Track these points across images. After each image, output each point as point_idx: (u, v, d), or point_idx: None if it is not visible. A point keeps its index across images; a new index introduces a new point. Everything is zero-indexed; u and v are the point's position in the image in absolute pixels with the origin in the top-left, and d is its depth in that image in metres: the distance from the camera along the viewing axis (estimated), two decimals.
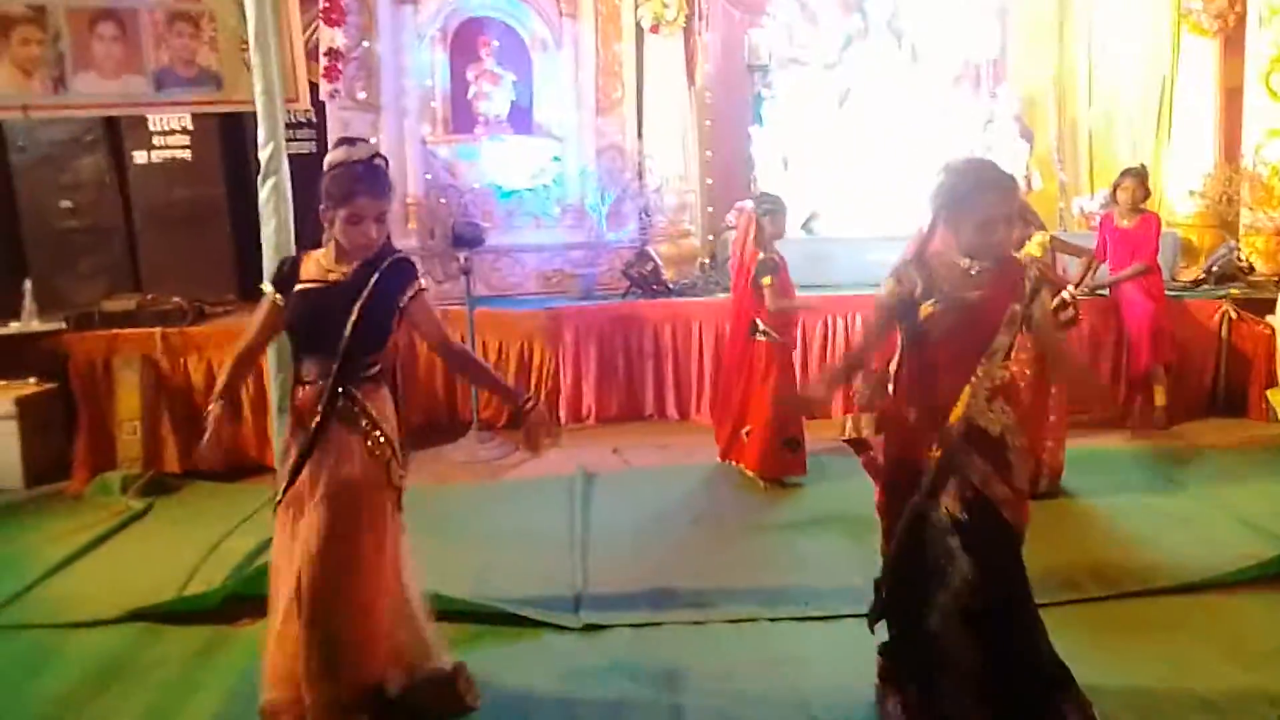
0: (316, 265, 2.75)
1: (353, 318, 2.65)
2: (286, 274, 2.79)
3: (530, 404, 2.83)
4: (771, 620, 3.53)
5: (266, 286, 2.82)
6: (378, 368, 2.74)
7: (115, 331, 5.42)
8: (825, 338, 6.26)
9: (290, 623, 2.64)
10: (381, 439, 2.69)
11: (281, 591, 2.69)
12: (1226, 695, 2.94)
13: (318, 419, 2.65)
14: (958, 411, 2.53)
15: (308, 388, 2.72)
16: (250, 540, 4.30)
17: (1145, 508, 4.59)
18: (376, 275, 2.68)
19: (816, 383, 2.84)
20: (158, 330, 5.42)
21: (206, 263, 6.05)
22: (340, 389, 2.66)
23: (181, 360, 5.46)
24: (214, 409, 2.82)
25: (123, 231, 6.14)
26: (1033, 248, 4.72)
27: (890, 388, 2.73)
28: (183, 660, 3.36)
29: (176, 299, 5.60)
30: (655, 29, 6.75)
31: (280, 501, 2.73)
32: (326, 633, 2.59)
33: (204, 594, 3.79)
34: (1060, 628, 3.36)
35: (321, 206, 2.70)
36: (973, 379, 2.53)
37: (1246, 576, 3.71)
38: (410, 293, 2.72)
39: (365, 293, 2.66)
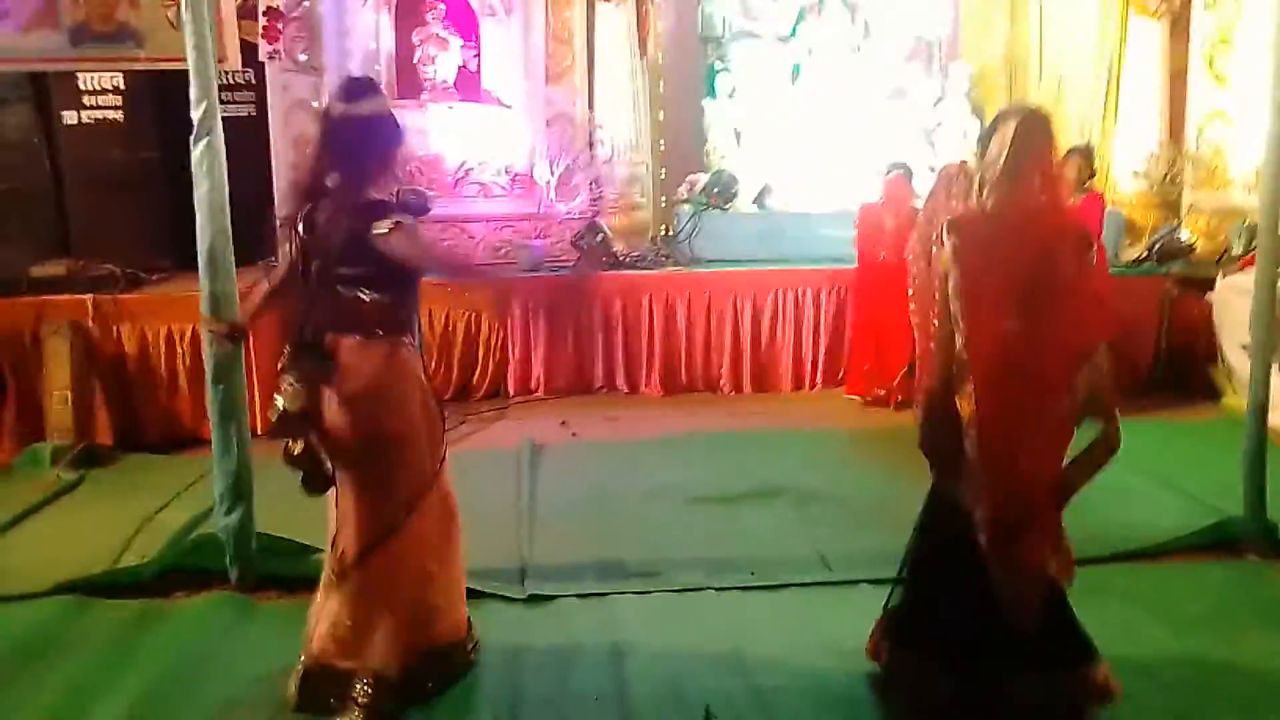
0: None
1: None
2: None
3: None
4: (717, 590, 3.52)
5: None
6: None
7: (44, 298, 5.23)
8: (775, 314, 6.26)
9: None
10: None
11: None
12: (1159, 659, 3.01)
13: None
14: None
15: (411, 338, 2.83)
16: (185, 513, 4.19)
17: None
18: None
19: None
20: (89, 297, 5.24)
21: (141, 228, 5.85)
22: None
23: (114, 328, 5.28)
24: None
25: (51, 194, 5.90)
26: None
27: None
28: (113, 634, 3.27)
29: (109, 265, 5.42)
30: None
31: None
32: None
33: (137, 566, 3.70)
34: None
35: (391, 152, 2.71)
36: None
37: (1181, 545, 3.79)
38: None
39: None
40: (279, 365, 2.66)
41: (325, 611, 2.78)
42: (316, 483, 2.63)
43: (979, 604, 2.52)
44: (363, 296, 2.62)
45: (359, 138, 2.64)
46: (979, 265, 2.48)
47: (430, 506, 2.77)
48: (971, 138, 7.26)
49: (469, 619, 3.05)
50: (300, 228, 2.65)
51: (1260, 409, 3.75)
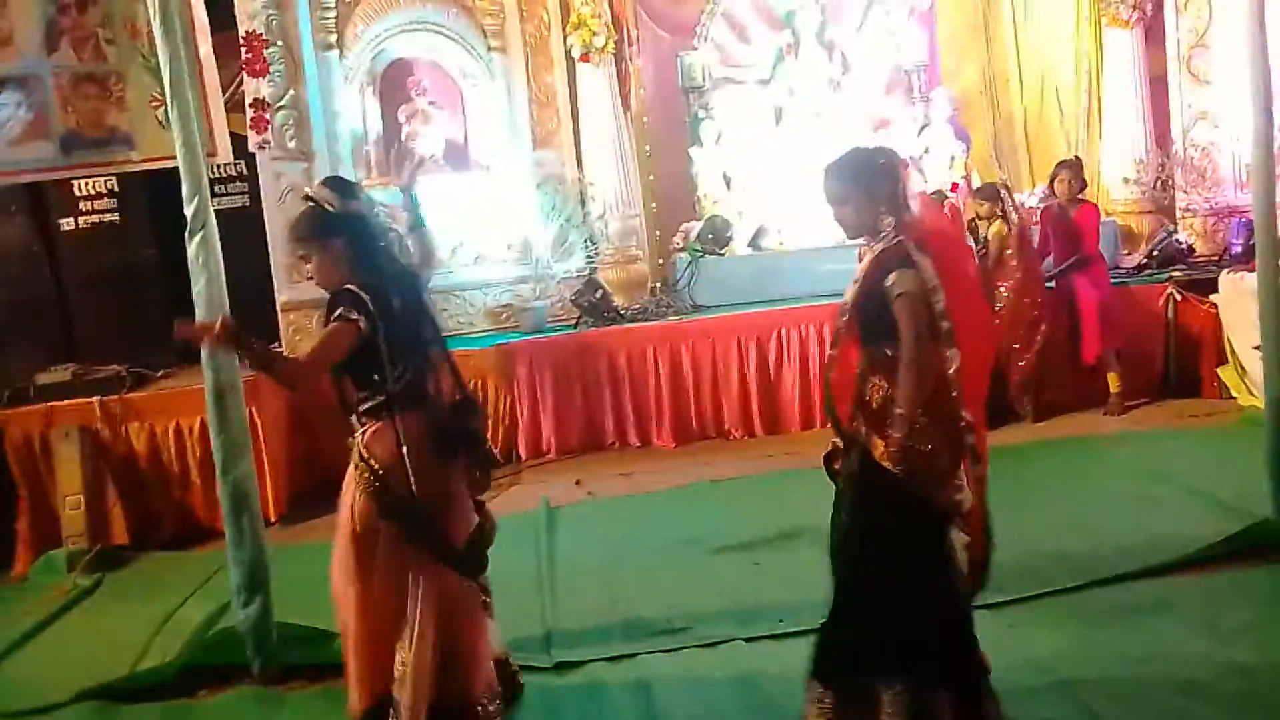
0: None
1: None
2: None
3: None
4: (746, 640, 3.46)
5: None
6: (372, 402, 2.79)
7: (51, 404, 5.23)
8: (779, 354, 6.23)
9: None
10: (369, 474, 2.75)
11: None
12: (1205, 673, 2.93)
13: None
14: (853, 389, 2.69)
15: None
16: (205, 609, 4.15)
17: (1108, 493, 4.60)
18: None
19: None
20: (96, 400, 5.24)
21: (144, 327, 5.86)
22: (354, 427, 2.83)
23: (123, 428, 5.27)
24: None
25: (54, 301, 5.97)
26: (990, 232, 5.95)
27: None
28: None
29: (114, 366, 5.44)
30: (586, 58, 6.73)
31: None
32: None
33: (159, 668, 3.65)
34: (1034, 621, 3.37)
35: None
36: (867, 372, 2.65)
37: (1215, 553, 3.71)
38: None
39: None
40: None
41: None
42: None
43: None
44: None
45: (375, 221, 2.98)
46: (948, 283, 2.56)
47: None
48: (960, 161, 7.31)
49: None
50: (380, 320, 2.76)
51: (1278, 407, 3.70)
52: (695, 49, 7.54)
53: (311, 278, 2.88)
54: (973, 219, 6.12)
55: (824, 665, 2.71)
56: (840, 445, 2.74)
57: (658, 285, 7.06)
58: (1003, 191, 6.05)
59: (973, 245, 5.78)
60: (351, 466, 2.81)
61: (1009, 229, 5.91)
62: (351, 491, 2.80)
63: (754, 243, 7.13)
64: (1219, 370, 5.98)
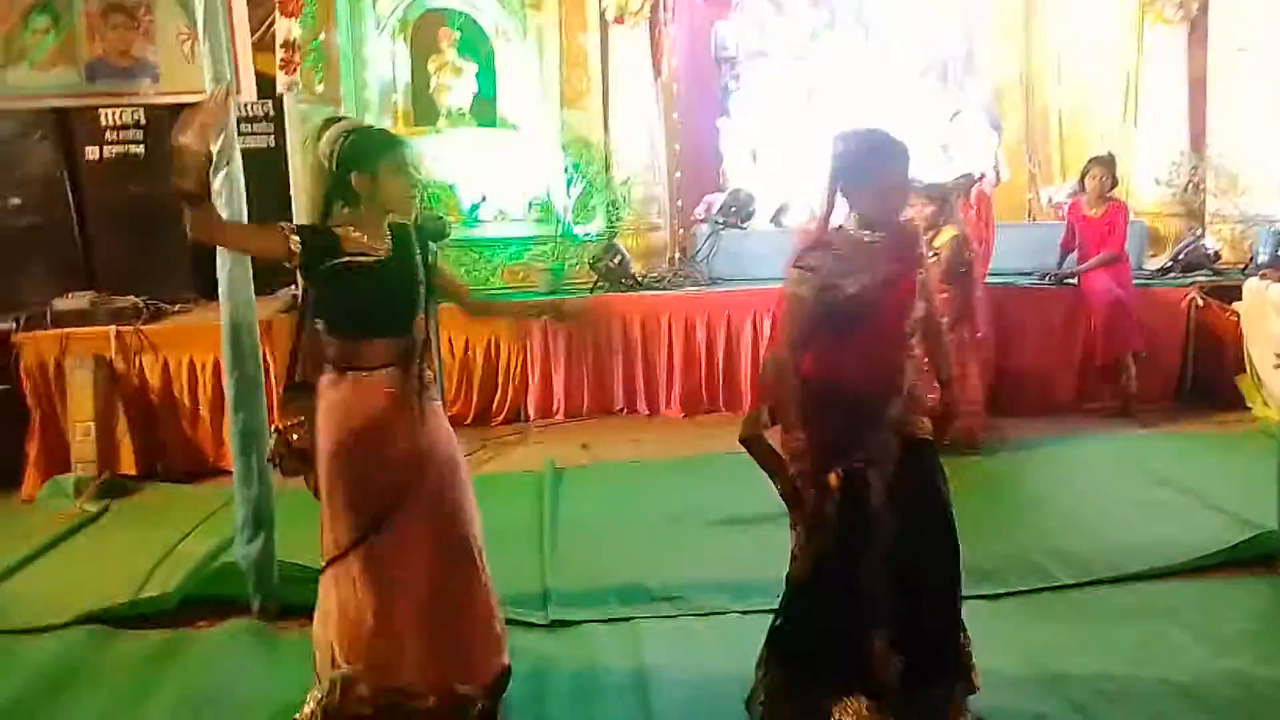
0: (355, 241, 2.59)
1: (422, 293, 2.66)
2: (321, 240, 2.57)
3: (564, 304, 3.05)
4: (742, 613, 3.46)
5: (286, 224, 2.61)
6: None
7: (67, 331, 5.26)
8: None
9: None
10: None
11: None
12: (1199, 679, 2.93)
13: (416, 404, 2.62)
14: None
15: (375, 374, 2.59)
16: (208, 542, 4.19)
17: (1114, 494, 4.59)
18: (419, 247, 2.69)
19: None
20: (111, 329, 5.27)
21: (163, 260, 5.89)
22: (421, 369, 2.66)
23: (137, 359, 5.31)
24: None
25: (75, 229, 5.99)
26: (943, 239, 5.00)
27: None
28: (137, 664, 3.27)
29: (131, 297, 5.46)
30: (620, 20, 6.66)
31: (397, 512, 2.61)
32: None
33: (160, 596, 3.69)
34: (1030, 614, 3.38)
35: (352, 175, 2.56)
36: (909, 353, 2.56)
37: (1216, 560, 3.70)
38: (434, 258, 2.76)
39: (422, 266, 2.68)
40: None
41: None
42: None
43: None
44: None
45: None
46: None
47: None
48: (991, 151, 7.21)
49: None
50: None
51: None
52: (730, 19, 7.45)
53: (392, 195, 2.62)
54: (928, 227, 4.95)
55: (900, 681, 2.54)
56: (838, 472, 2.55)
57: (677, 255, 7.02)
58: (953, 195, 5.20)
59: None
60: (433, 413, 2.69)
61: (961, 234, 5.05)
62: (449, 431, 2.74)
63: (776, 219, 7.08)
64: (1237, 379, 5.93)
